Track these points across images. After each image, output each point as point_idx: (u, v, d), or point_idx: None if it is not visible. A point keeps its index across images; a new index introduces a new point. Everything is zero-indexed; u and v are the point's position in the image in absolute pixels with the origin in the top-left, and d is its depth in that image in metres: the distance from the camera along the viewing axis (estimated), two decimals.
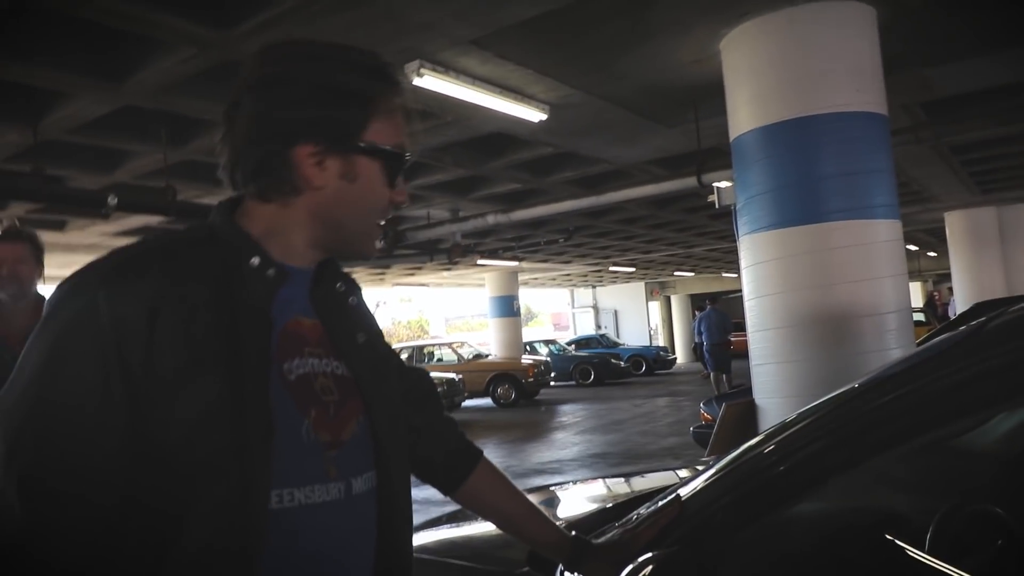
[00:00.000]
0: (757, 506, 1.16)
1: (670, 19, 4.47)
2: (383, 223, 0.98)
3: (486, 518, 1.29)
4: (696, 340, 17.03)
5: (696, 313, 18.58)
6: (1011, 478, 1.66)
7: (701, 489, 1.24)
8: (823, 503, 1.42)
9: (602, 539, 1.24)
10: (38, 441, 0.77)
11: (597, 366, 18.95)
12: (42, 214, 8.37)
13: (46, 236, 10.18)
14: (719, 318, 13.42)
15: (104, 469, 0.78)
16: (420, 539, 1.91)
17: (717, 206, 5.63)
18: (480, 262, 14.43)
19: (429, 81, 4.77)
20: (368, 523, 0.93)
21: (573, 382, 18.84)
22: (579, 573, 1.21)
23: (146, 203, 6.73)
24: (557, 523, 1.26)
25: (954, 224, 13.32)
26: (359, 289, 1.07)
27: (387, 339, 1.14)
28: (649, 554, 1.08)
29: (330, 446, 0.89)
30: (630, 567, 1.05)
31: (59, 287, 0.84)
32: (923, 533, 1.20)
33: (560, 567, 1.41)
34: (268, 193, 0.91)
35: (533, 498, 2.32)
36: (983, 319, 1.11)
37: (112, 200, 5.91)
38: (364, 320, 1.05)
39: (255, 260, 0.89)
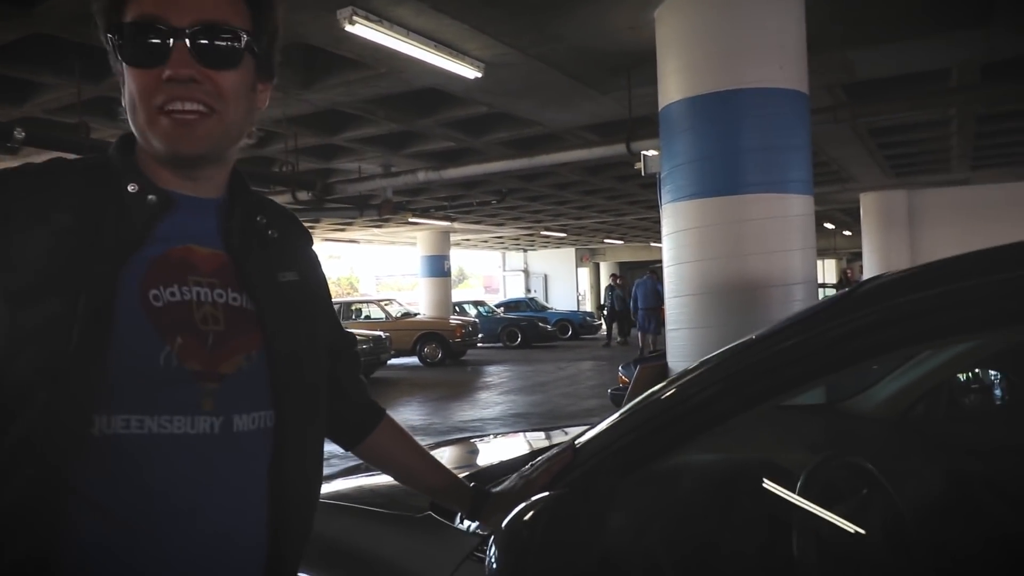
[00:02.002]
0: (645, 452, 1.18)
1: None
2: (177, 105, 0.85)
3: (387, 472, 1.29)
4: (606, 303, 17.75)
5: (611, 281, 19.22)
6: (880, 435, 1.79)
7: (595, 436, 1.28)
8: (708, 452, 1.50)
9: (500, 487, 1.27)
10: None
11: (524, 329, 19.12)
12: None
13: None
14: (653, 285, 14.44)
15: None
16: (335, 486, 1.92)
17: (643, 174, 5.70)
18: (412, 220, 14.28)
19: (361, 29, 4.64)
20: (258, 461, 0.90)
21: (500, 344, 18.95)
22: (479, 520, 1.25)
23: (57, 140, 6.35)
24: (462, 474, 1.29)
25: (868, 205, 13.89)
26: (292, 224, 1.05)
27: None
28: (537, 496, 1.11)
29: (203, 377, 0.85)
30: (518, 508, 1.08)
31: None
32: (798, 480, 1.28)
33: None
34: None
35: (451, 449, 2.37)
36: (856, 285, 1.17)
37: (19, 134, 5.58)
38: (295, 260, 1.02)
39: (132, 186, 0.88)
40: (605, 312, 19.44)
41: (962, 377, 1.97)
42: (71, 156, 0.96)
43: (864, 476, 1.36)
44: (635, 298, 15.17)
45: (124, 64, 0.86)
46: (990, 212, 12.84)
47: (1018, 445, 1.82)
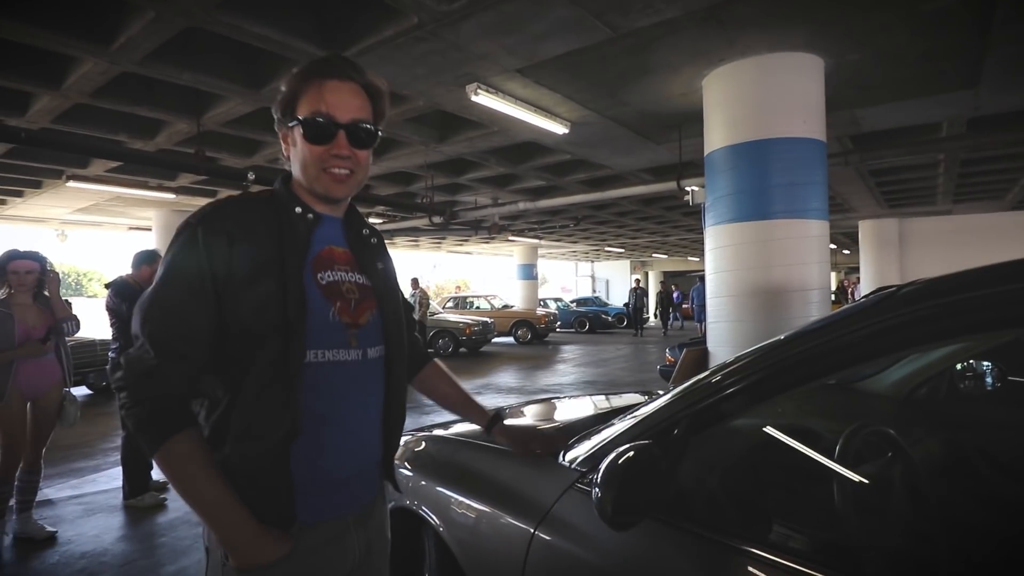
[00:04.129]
0: (709, 417, 1.14)
1: (665, 61, 4.33)
2: (335, 170, 1.00)
3: (432, 398, 1.38)
4: (630, 302, 17.54)
5: (634, 285, 18.83)
6: (901, 409, 1.63)
7: (666, 404, 1.23)
8: (754, 421, 1.40)
9: (515, 422, 1.37)
10: (155, 318, 0.91)
11: (591, 319, 18.88)
12: (201, 184, 8.46)
13: (202, 200, 10.28)
14: (704, 288, 14.32)
15: (198, 334, 0.91)
16: (459, 428, 1.93)
17: (691, 204, 5.50)
18: (511, 238, 14.37)
19: (483, 99, 4.69)
20: (379, 377, 1.06)
21: (573, 330, 18.82)
22: (490, 434, 1.39)
23: (275, 180, 6.73)
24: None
25: (865, 230, 12.97)
26: (380, 235, 1.16)
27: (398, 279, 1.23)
28: (629, 443, 1.06)
29: (351, 326, 1.01)
30: (615, 453, 1.03)
31: (178, 227, 0.96)
32: (834, 445, 1.18)
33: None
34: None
35: (538, 405, 2.33)
36: (882, 292, 1.06)
37: (251, 176, 5.95)
38: (383, 256, 1.14)
39: (298, 209, 1.01)
40: (630, 309, 18.89)
41: (958, 367, 1.79)
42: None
43: (889, 442, 1.24)
44: (692, 298, 15.00)
45: (303, 139, 0.98)
46: (968, 238, 11.80)
47: (1001, 421, 1.65)
